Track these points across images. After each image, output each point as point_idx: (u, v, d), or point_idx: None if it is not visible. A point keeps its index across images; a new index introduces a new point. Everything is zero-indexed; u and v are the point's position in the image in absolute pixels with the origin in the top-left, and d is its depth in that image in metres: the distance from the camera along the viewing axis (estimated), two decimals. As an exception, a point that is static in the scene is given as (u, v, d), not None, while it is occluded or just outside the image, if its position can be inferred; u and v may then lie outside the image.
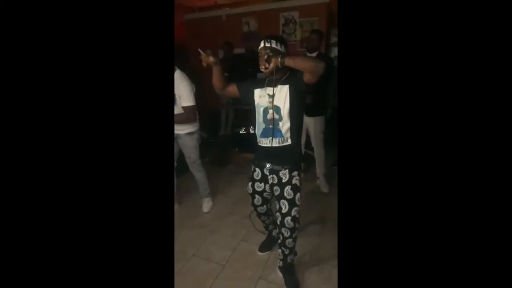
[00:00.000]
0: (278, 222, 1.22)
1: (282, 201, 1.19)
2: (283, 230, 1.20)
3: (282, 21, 3.22)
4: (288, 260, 1.31)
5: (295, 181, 1.19)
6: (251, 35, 3.43)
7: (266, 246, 1.55)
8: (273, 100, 1.14)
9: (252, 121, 3.01)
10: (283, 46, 1.12)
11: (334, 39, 3.03)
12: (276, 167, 1.21)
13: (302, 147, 1.40)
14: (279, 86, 1.14)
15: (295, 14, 3.13)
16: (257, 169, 1.28)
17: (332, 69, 2.32)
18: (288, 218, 1.18)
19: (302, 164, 1.25)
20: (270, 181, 1.25)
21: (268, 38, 1.12)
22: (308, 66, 1.02)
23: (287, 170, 1.19)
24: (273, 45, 1.11)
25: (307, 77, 1.05)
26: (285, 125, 1.16)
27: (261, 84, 1.20)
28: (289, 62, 1.04)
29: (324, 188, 2.20)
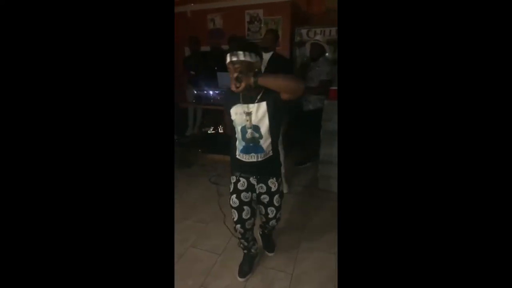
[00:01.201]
0: (261, 222, 1.34)
1: (271, 208, 1.25)
2: (266, 225, 1.34)
3: (247, 18, 3.18)
4: (269, 226, 1.38)
5: (281, 188, 1.26)
6: (217, 33, 3.37)
7: (246, 269, 1.40)
8: (251, 119, 1.06)
9: (220, 121, 2.98)
10: (253, 55, 0.98)
11: (298, 38, 3.03)
12: (264, 177, 1.19)
13: None
14: (256, 104, 1.05)
15: (260, 12, 3.09)
16: (241, 179, 1.20)
17: (289, 70, 2.32)
18: (273, 221, 1.29)
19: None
20: (258, 190, 1.21)
21: (234, 50, 0.98)
22: (284, 87, 0.95)
23: (274, 179, 1.20)
24: (241, 58, 0.97)
25: (285, 96, 0.99)
26: (266, 142, 1.11)
27: (236, 99, 1.08)
28: (264, 82, 0.95)
29: (284, 188, 2.22)
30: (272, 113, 1.05)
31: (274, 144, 1.14)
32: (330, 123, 2.02)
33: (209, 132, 3.27)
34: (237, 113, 1.09)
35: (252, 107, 1.05)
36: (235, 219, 1.21)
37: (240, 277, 1.38)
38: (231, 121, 1.12)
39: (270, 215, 1.26)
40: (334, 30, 2.82)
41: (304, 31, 2.97)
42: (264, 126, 1.07)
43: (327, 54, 2.38)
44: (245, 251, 1.40)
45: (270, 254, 1.53)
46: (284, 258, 1.51)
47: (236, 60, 0.98)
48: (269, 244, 1.54)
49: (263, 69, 2.28)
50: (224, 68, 2.88)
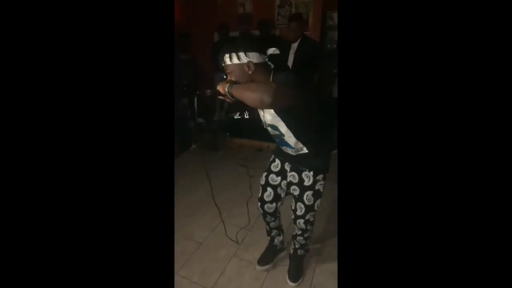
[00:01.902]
0: (291, 220, 1.14)
1: (299, 204, 1.08)
2: (295, 227, 1.16)
3: (277, 2, 3.12)
4: (298, 253, 1.28)
5: (318, 186, 1.06)
6: (246, 18, 3.36)
7: (266, 259, 1.36)
8: (265, 118, 0.98)
9: (246, 106, 3.04)
10: (243, 55, 0.84)
11: (330, 22, 2.94)
12: (299, 167, 1.07)
13: None
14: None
15: (291, -5, 3.02)
16: (277, 159, 1.15)
17: (318, 55, 2.27)
18: (301, 221, 1.10)
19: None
20: (289, 179, 1.11)
21: (225, 51, 0.87)
22: (249, 100, 0.77)
23: (311, 173, 1.04)
24: (227, 62, 0.87)
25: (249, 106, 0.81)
26: (290, 139, 1.00)
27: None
28: (236, 93, 0.80)
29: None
30: (285, 114, 0.91)
31: (305, 141, 1.00)
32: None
33: (235, 117, 3.35)
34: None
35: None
36: (258, 196, 1.21)
37: (259, 264, 1.35)
38: None
39: (298, 212, 1.09)
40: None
41: (335, 15, 2.88)
42: (282, 126, 0.97)
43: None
44: (269, 238, 1.37)
45: (291, 284, 1.27)
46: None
47: (225, 66, 0.89)
48: (293, 270, 1.30)
49: (291, 58, 2.26)
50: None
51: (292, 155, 1.07)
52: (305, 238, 1.20)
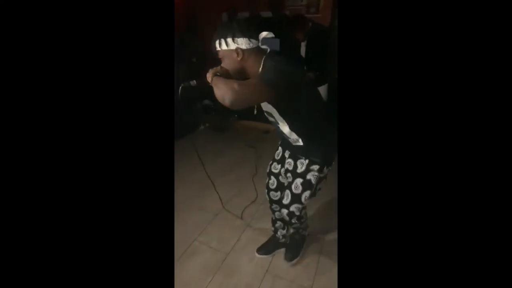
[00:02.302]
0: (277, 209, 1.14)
1: (287, 191, 1.04)
2: (281, 218, 1.17)
3: (288, -17, 3.09)
4: (295, 236, 1.32)
5: (310, 176, 1.00)
6: (255, -2, 3.31)
7: (266, 249, 1.37)
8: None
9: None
10: (234, 41, 0.82)
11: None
12: (296, 154, 1.05)
13: None
14: None
15: (302, -24, 2.98)
16: (280, 147, 1.15)
17: (324, 42, 2.29)
18: (285, 211, 1.05)
19: (333, 162, 1.02)
20: (286, 166, 1.09)
21: (215, 37, 0.85)
22: (217, 94, 0.76)
23: (306, 161, 1.00)
24: (217, 48, 0.85)
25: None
26: (284, 128, 0.96)
27: None
28: (213, 85, 0.79)
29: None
30: (278, 102, 0.85)
31: (299, 131, 0.96)
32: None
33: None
34: None
35: None
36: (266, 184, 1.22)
37: (258, 252, 1.37)
38: None
39: (284, 200, 1.04)
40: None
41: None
42: (275, 113, 0.92)
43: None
44: (272, 229, 1.36)
45: (286, 263, 1.31)
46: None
47: (216, 53, 0.87)
48: (288, 249, 1.34)
49: (303, 47, 2.26)
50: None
51: (291, 144, 1.04)
52: (295, 228, 1.20)
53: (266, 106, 0.94)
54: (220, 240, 1.50)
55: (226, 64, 0.87)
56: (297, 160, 1.03)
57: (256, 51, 0.86)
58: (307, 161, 1.01)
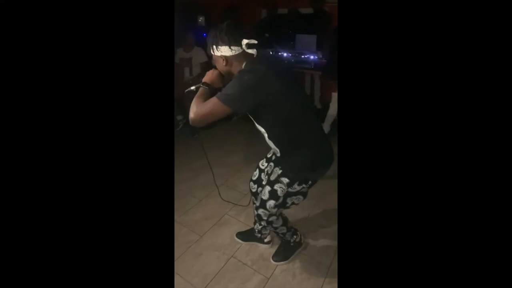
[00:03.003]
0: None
1: (259, 195, 1.09)
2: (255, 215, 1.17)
3: (329, -21, 3.08)
4: (283, 239, 1.32)
5: (277, 187, 1.01)
6: (296, -5, 3.36)
7: (244, 236, 1.43)
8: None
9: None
10: (218, 49, 0.90)
11: None
12: (278, 162, 1.09)
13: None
14: None
15: (345, -28, 2.96)
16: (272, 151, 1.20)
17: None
18: (255, 212, 1.13)
19: (309, 182, 1.02)
20: (267, 168, 1.18)
21: (208, 42, 0.94)
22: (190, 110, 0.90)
23: (280, 171, 1.02)
24: (211, 52, 0.94)
25: None
26: (266, 138, 1.01)
27: None
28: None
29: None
30: (253, 110, 0.92)
31: (276, 144, 0.99)
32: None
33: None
34: None
35: None
36: None
37: (236, 236, 1.42)
38: None
39: (256, 202, 1.12)
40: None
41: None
42: (254, 120, 0.98)
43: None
44: (255, 228, 1.32)
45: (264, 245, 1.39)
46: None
47: (213, 57, 0.96)
48: (277, 250, 1.36)
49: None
50: (302, 31, 2.90)
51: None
52: (275, 232, 1.24)
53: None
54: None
55: (218, 67, 0.98)
56: (275, 167, 1.07)
57: (241, 56, 0.91)
58: (280, 171, 1.02)
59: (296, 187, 1.01)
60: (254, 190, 1.28)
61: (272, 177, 1.04)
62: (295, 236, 1.32)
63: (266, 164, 1.21)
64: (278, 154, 1.02)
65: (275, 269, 1.30)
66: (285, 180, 1.00)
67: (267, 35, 3.39)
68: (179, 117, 2.98)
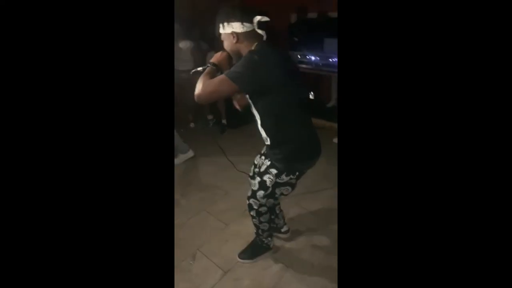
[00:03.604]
0: None
1: (250, 187, 1.15)
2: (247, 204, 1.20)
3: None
4: (257, 239, 1.33)
5: (266, 178, 1.05)
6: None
7: (247, 253, 1.38)
8: None
9: (312, 86, 3.17)
10: (229, 24, 0.90)
11: None
12: (267, 152, 1.10)
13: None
14: None
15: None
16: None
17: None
18: (247, 201, 1.17)
19: (297, 173, 1.04)
20: (259, 160, 1.20)
21: (216, 21, 0.93)
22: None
23: (268, 163, 1.05)
24: (219, 31, 0.93)
25: None
26: (258, 123, 1.02)
27: None
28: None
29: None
30: (252, 95, 0.95)
31: (268, 130, 1.00)
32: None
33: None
34: None
35: None
36: None
37: (239, 256, 1.37)
38: None
39: (248, 192, 1.16)
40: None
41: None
42: (251, 105, 1.00)
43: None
44: (255, 231, 1.31)
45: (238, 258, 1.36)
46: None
47: (218, 35, 0.95)
48: (246, 247, 1.39)
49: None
50: (331, 34, 2.90)
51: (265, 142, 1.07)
52: (254, 225, 1.24)
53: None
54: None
55: (226, 45, 0.96)
56: (265, 159, 1.08)
57: (252, 35, 0.92)
58: (268, 163, 1.05)
59: (284, 178, 1.04)
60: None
61: (262, 169, 1.07)
62: (269, 239, 1.34)
63: (258, 159, 1.23)
64: (268, 142, 1.03)
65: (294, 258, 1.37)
66: (274, 171, 1.03)
67: (296, 39, 3.46)
68: (209, 117, 3.18)
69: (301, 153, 1.03)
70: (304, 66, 3.12)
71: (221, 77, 0.88)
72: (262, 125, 1.01)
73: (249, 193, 1.16)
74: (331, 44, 2.73)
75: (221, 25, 0.92)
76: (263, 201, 1.12)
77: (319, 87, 3.16)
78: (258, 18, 0.90)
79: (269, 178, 1.05)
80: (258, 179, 1.10)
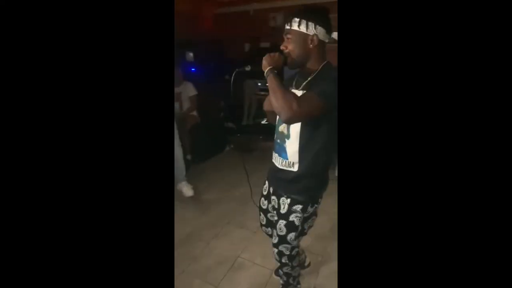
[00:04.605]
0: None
1: (274, 231, 1.01)
2: (274, 256, 1.08)
3: (308, 17, 3.36)
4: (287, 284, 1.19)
5: (293, 217, 0.94)
6: (278, 31, 3.61)
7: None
8: None
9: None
10: (311, 26, 0.80)
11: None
12: (278, 190, 0.99)
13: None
14: (300, 91, 0.86)
15: (321, 11, 3.26)
16: (266, 182, 1.09)
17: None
18: (275, 250, 1.03)
19: (320, 200, 0.99)
20: (272, 203, 1.05)
21: (295, 15, 0.82)
22: (273, 104, 0.77)
23: (288, 200, 0.94)
24: (294, 27, 0.81)
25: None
26: (291, 146, 0.89)
27: (289, 83, 0.93)
28: (269, 83, 0.80)
29: (188, 192, 2.10)
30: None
31: (303, 158, 0.89)
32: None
33: (262, 122, 3.55)
34: None
35: (296, 93, 0.85)
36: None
37: (275, 274, 1.31)
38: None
39: (274, 240, 1.02)
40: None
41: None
42: (295, 127, 0.87)
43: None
44: (282, 283, 1.19)
45: None
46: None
47: (289, 29, 0.83)
48: None
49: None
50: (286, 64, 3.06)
51: (276, 169, 0.96)
52: (285, 274, 1.11)
53: None
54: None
55: (294, 44, 0.84)
56: (280, 198, 0.97)
57: (324, 48, 0.87)
58: (288, 200, 0.94)
59: (310, 210, 0.97)
60: (270, 233, 1.16)
61: (283, 210, 0.96)
62: (300, 284, 1.22)
63: (266, 202, 1.10)
64: (293, 169, 0.91)
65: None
66: (299, 207, 0.94)
67: (249, 66, 3.53)
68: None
69: (324, 180, 0.97)
70: (263, 93, 3.17)
71: (313, 96, 0.78)
72: (300, 148, 0.88)
73: (276, 241, 1.01)
74: (288, 73, 2.83)
75: (303, 22, 0.81)
76: (295, 243, 1.01)
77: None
78: (335, 34, 0.83)
79: (296, 217, 0.95)
80: (283, 222, 0.97)
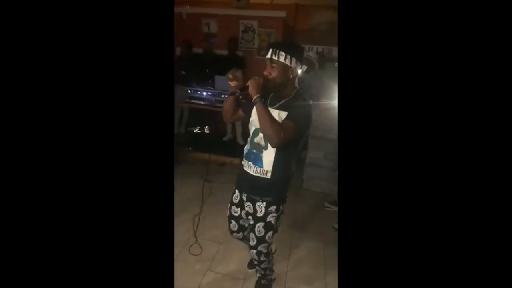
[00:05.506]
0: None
1: (252, 234, 1.11)
2: (252, 256, 1.18)
3: (242, 28, 3.37)
4: (261, 282, 1.34)
5: (270, 218, 1.06)
6: (211, 37, 3.49)
7: (250, 265, 1.45)
8: (254, 121, 1.02)
9: (207, 121, 3.06)
10: (293, 60, 0.93)
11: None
12: (252, 196, 1.08)
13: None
14: (276, 110, 0.98)
15: (254, 23, 3.31)
16: (236, 191, 1.17)
17: None
18: (254, 251, 1.13)
19: (287, 198, 1.11)
20: (246, 209, 1.13)
21: (276, 47, 0.94)
22: (262, 127, 0.92)
23: (264, 203, 1.05)
24: (281, 59, 0.93)
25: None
26: (268, 157, 1.01)
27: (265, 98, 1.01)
28: (258, 111, 0.92)
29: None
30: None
31: (276, 167, 1.01)
32: (318, 130, 2.29)
33: (195, 131, 3.33)
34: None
35: (272, 111, 0.97)
36: (228, 227, 1.25)
37: (248, 267, 1.45)
38: (248, 120, 1.07)
39: (251, 242, 1.12)
40: (320, 48, 3.16)
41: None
42: None
43: (316, 69, 2.66)
44: (259, 276, 1.34)
45: None
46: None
47: (276, 60, 0.94)
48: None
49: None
50: (218, 71, 3.00)
51: (250, 177, 1.06)
52: (263, 269, 1.24)
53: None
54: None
55: (278, 74, 0.97)
56: (255, 203, 1.08)
57: (297, 77, 1.02)
58: (264, 203, 1.06)
59: (281, 208, 1.11)
60: (241, 238, 1.28)
61: (260, 214, 1.07)
62: (273, 273, 1.35)
63: (238, 210, 1.18)
64: (266, 176, 1.03)
65: None
66: (273, 207, 1.07)
67: (183, 72, 3.30)
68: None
69: (289, 183, 1.11)
70: (195, 101, 2.98)
71: (291, 124, 0.93)
72: (276, 157, 1.01)
73: (253, 243, 1.12)
74: (222, 81, 2.73)
75: (287, 56, 0.94)
76: (271, 240, 1.13)
77: (214, 122, 3.07)
78: (304, 68, 1.01)
79: (272, 217, 1.08)
80: (261, 224, 1.08)
